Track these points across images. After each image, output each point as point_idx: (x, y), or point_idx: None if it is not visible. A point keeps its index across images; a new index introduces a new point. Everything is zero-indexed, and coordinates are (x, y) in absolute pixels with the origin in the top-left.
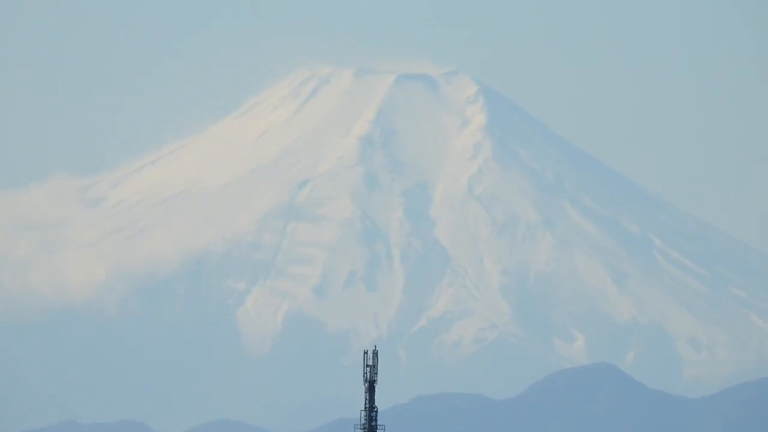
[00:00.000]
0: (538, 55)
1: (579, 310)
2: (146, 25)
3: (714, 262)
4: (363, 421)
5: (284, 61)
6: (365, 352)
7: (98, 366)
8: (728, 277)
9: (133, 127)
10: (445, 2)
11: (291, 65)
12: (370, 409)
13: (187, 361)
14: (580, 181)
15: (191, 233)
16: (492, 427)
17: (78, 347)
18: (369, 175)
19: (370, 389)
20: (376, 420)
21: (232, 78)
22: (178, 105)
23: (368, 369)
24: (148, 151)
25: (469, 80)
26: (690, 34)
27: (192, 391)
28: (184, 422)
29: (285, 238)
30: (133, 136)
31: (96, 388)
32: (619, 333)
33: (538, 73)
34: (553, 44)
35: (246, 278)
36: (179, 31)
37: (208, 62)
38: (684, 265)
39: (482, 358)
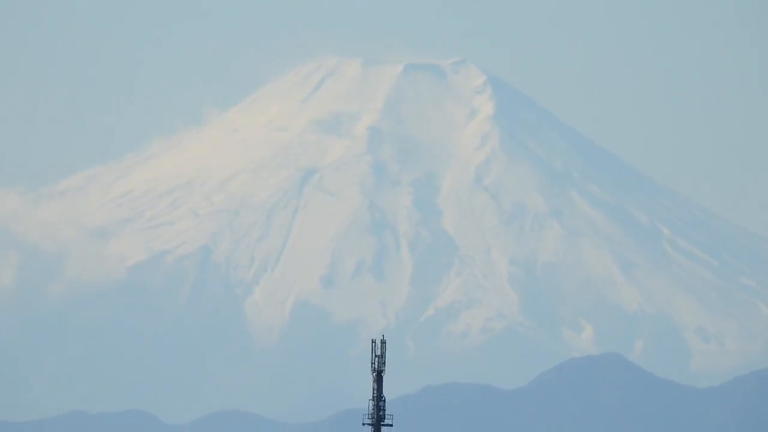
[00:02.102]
0: (546, 44)
1: (587, 300)
2: (152, 14)
3: (722, 251)
4: (371, 411)
5: (292, 51)
6: (373, 342)
7: (106, 356)
8: (737, 267)
9: (140, 117)
10: None
11: (299, 55)
12: (378, 398)
13: (194, 351)
14: (588, 171)
15: (199, 223)
16: (500, 417)
17: (85, 337)
18: (377, 164)
19: (378, 379)
20: (384, 410)
21: (240, 68)
22: (186, 95)
23: (376, 359)
24: (156, 140)
25: (477, 70)
26: (698, 24)
27: (199, 381)
28: (191, 412)
29: (293, 227)
30: (141, 125)
31: (104, 378)
32: (627, 323)
33: (546, 63)
34: (560, 33)
35: (254, 268)
36: (188, 21)
37: (216, 52)
38: (692, 255)
39: (490, 348)
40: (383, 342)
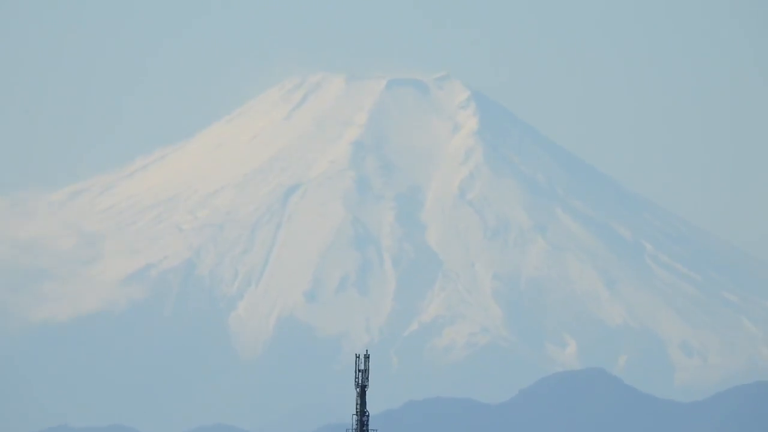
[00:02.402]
0: (530, 59)
1: (571, 315)
2: (137, 30)
3: (705, 266)
4: (354, 426)
5: (276, 66)
6: (357, 357)
7: (90, 370)
8: (720, 282)
9: (124, 132)
10: (436, 7)
11: (282, 71)
12: (362, 413)
13: (178, 366)
14: (572, 186)
15: (182, 238)
16: (484, 431)
17: (68, 352)
18: (360, 179)
19: (362, 394)
20: (367, 425)
21: (224, 83)
22: (169, 110)
23: (360, 373)
24: (139, 156)
25: (461, 85)
26: (682, 37)
27: (183, 396)
28: (175, 427)
29: (276, 242)
30: (124, 141)
31: (87, 393)
32: (611, 337)
33: (529, 78)
34: (544, 49)
35: (237, 282)
36: (170, 36)
37: (199, 67)
38: (675, 270)
39: (474, 363)
40: (367, 356)
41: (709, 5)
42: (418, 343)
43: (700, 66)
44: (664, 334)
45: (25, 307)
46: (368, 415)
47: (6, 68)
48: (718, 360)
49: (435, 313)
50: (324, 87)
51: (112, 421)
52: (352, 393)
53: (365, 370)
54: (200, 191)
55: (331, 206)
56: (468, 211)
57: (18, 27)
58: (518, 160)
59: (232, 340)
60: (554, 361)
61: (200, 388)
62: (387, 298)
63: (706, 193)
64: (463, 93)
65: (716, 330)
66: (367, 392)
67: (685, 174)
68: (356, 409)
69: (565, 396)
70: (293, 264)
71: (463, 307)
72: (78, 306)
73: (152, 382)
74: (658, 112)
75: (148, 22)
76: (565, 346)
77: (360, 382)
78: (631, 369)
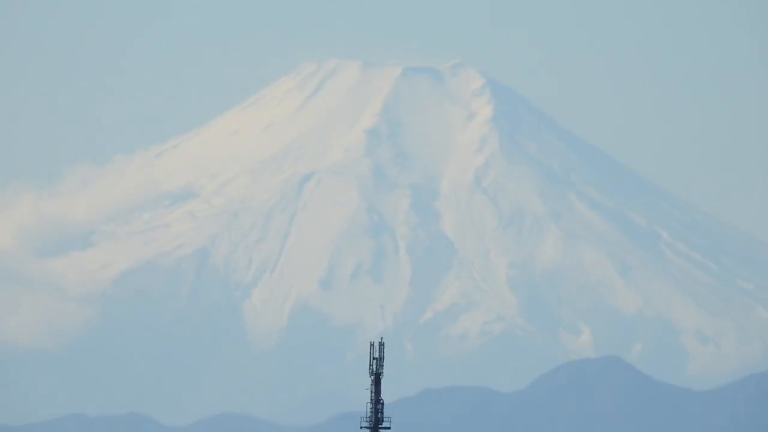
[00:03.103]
0: (545, 47)
1: (585, 303)
2: (153, 17)
3: (720, 254)
4: (369, 414)
5: (291, 54)
6: (371, 345)
7: (104, 359)
8: (735, 270)
9: (139, 120)
10: None
11: (297, 58)
12: (376, 401)
13: (193, 354)
14: (587, 174)
15: (197, 226)
16: (498, 420)
17: (83, 340)
18: (375, 167)
19: (377, 382)
20: (382, 413)
21: (239, 71)
22: (185, 97)
23: (374, 361)
24: (154, 143)
25: (476, 73)
26: (697, 28)
27: (198, 384)
28: (190, 415)
29: (291, 230)
30: (139, 127)
31: (102, 381)
32: (626, 326)
33: (544, 66)
34: (559, 36)
35: (252, 271)
36: (186, 23)
37: (215, 55)
38: (690, 258)
39: (489, 351)
40: (381, 344)
41: None
42: (432, 331)
43: (717, 55)
44: (678, 323)
45: (38, 294)
46: (383, 403)
47: (16, 57)
48: (733, 348)
49: (450, 301)
50: (339, 74)
51: (127, 409)
52: (367, 381)
53: (380, 358)
54: (215, 179)
55: (346, 194)
56: (483, 199)
57: (40, 17)
58: (533, 148)
59: (246, 329)
60: (569, 350)
61: (215, 377)
62: (402, 286)
63: (721, 181)
64: (477, 80)
65: (731, 318)
66: (381, 380)
67: (700, 162)
68: (371, 397)
69: (580, 384)
70: (308, 252)
71: (478, 295)
72: (92, 294)
73: (167, 371)
74: (673, 100)
75: (164, 10)
76: (580, 335)
77: (375, 370)
78: (645, 357)
